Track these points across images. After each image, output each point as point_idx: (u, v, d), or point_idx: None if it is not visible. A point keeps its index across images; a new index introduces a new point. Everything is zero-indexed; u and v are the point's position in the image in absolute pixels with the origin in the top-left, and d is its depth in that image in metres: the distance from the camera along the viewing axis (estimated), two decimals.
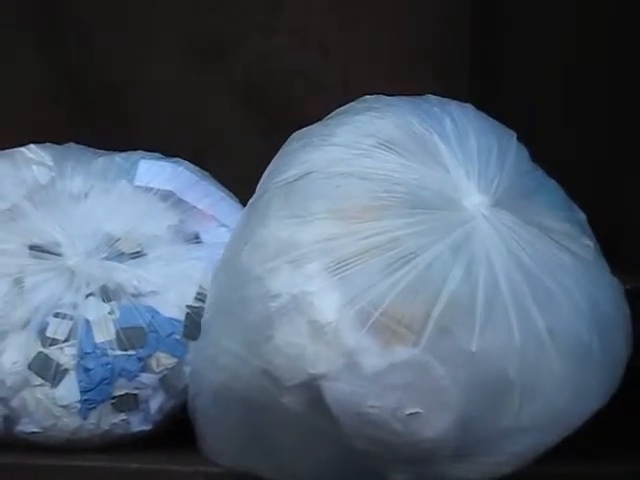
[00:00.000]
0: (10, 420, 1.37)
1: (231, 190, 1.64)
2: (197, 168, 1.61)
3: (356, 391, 1.20)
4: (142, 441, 1.40)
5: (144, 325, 1.38)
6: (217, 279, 1.37)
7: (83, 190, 1.46)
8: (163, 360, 1.38)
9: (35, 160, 1.48)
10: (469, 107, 1.48)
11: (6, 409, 1.36)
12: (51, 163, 1.48)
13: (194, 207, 1.51)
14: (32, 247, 1.40)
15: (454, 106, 1.46)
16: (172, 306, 1.40)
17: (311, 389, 1.22)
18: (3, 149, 1.53)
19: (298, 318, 1.23)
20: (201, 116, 1.91)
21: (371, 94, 1.48)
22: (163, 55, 1.91)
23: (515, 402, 1.21)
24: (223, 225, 1.52)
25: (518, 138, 1.49)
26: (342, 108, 1.50)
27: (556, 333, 1.25)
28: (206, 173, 1.62)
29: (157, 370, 1.38)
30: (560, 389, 1.24)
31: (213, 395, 1.33)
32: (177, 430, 1.42)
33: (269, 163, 1.80)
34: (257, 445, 1.29)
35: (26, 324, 1.35)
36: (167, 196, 1.50)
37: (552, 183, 1.48)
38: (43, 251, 1.40)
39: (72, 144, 1.53)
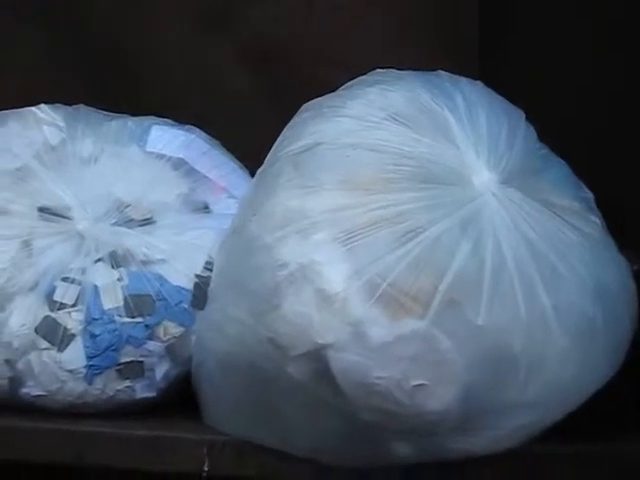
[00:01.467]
0: (15, 382, 1.33)
1: (237, 157, 1.60)
2: (209, 137, 1.57)
3: (362, 362, 1.17)
4: (147, 408, 1.36)
5: (152, 293, 1.34)
6: (225, 248, 1.33)
7: (94, 153, 1.42)
8: (170, 329, 1.35)
9: (46, 120, 1.43)
10: (479, 84, 1.45)
11: (12, 371, 1.32)
12: (62, 124, 1.43)
13: (205, 177, 1.47)
14: (41, 209, 1.36)
15: (465, 83, 1.43)
16: (181, 275, 1.36)
17: (317, 359, 1.19)
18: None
19: (306, 287, 1.20)
20: (207, 81, 1.87)
21: (382, 65, 1.45)
22: (169, 19, 1.86)
23: (520, 376, 1.19)
24: (233, 196, 1.49)
25: (526, 117, 1.47)
26: (353, 81, 1.46)
27: (561, 309, 1.22)
28: (217, 142, 1.58)
29: (164, 338, 1.34)
30: (564, 364, 1.21)
31: (218, 363, 1.30)
32: (182, 399, 1.40)
33: (276, 129, 1.77)
34: (261, 414, 1.26)
35: (34, 287, 1.32)
36: (179, 164, 1.46)
37: (560, 162, 1.45)
38: (52, 214, 1.36)
39: (82, 106, 1.48)
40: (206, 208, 1.49)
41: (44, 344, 1.35)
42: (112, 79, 1.85)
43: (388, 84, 1.38)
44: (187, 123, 1.65)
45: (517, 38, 1.84)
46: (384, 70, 1.44)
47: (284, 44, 1.88)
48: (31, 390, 1.36)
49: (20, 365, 1.36)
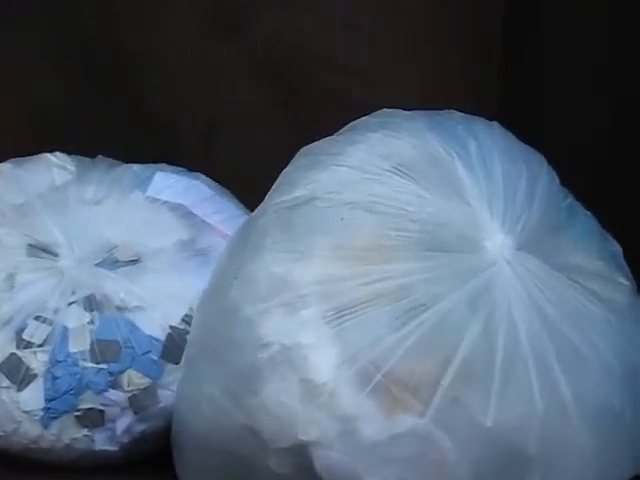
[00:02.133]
0: None
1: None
2: (215, 183, 1.52)
3: (351, 463, 1.02)
4: (112, 466, 1.33)
5: (120, 339, 1.27)
6: (203, 310, 1.18)
7: (96, 196, 1.39)
8: (135, 379, 1.29)
9: (58, 164, 1.44)
10: (496, 126, 1.28)
11: None
12: (72, 168, 1.43)
13: (204, 222, 1.44)
14: (31, 245, 1.33)
15: (480, 126, 1.26)
16: (155, 324, 1.32)
17: (301, 455, 1.04)
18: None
19: (290, 374, 1.04)
20: (217, 88, 1.77)
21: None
22: (180, 24, 1.76)
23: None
24: None
25: (548, 161, 1.29)
26: (355, 122, 1.30)
27: (584, 400, 1.05)
28: (226, 190, 1.53)
29: (127, 388, 1.28)
30: (587, 464, 1.05)
31: (193, 440, 1.16)
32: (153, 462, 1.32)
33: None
34: None
35: (7, 322, 1.28)
36: (176, 208, 1.43)
37: (584, 213, 1.28)
38: (40, 250, 1.33)
39: (100, 157, 1.48)
40: (203, 255, 1.40)
41: (5, 382, 1.29)
42: (119, 86, 1.77)
43: (393, 129, 1.21)
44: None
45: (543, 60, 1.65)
46: (390, 110, 1.28)
47: (298, 53, 1.78)
48: None
49: None
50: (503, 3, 1.83)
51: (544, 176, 1.23)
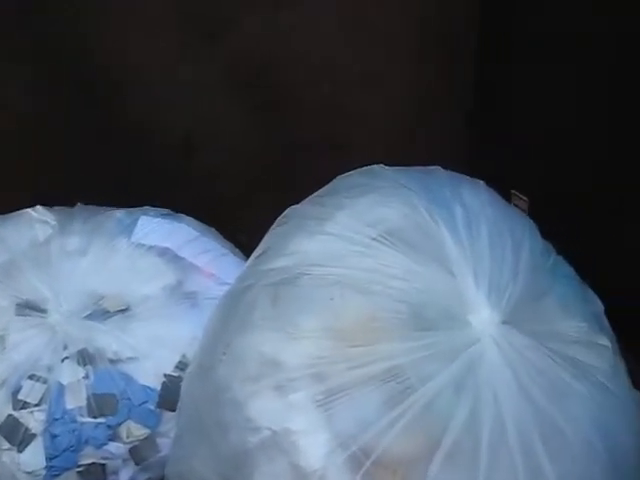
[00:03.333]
0: None
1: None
2: (200, 223, 1.50)
3: None
4: None
5: (117, 392, 1.26)
6: (191, 384, 1.17)
7: (80, 247, 1.38)
8: (134, 430, 1.27)
9: (39, 219, 1.43)
10: (482, 186, 1.28)
11: None
12: (54, 222, 1.42)
13: (191, 264, 1.43)
14: (19, 304, 1.31)
15: (466, 187, 1.25)
16: (149, 374, 1.30)
17: None
18: None
19: (280, 459, 1.04)
20: (194, 99, 1.73)
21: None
22: (153, 36, 1.70)
23: None
24: (224, 283, 1.39)
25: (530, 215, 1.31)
26: (342, 178, 1.29)
27: None
28: (210, 228, 1.51)
29: (127, 440, 1.26)
30: None
31: None
32: None
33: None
34: None
35: (2, 384, 1.26)
36: (163, 253, 1.41)
37: (566, 272, 1.28)
38: (29, 307, 1.31)
39: (80, 205, 1.46)
40: (193, 298, 1.39)
41: (5, 444, 1.27)
42: (96, 98, 1.73)
43: (380, 192, 1.21)
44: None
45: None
46: (378, 169, 1.27)
47: (275, 60, 1.74)
48: None
49: None
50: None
51: (528, 239, 1.23)
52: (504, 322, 1.12)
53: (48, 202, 1.49)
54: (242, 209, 1.59)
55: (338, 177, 1.27)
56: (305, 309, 1.08)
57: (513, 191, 1.35)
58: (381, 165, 1.26)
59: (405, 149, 1.34)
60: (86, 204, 1.51)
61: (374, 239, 1.14)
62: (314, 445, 1.02)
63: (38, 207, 1.46)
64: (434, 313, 1.09)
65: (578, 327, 1.19)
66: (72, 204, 1.50)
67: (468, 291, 1.12)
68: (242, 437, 1.04)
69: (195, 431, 1.11)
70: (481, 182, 1.26)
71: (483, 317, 1.11)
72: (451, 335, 1.08)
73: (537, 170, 1.48)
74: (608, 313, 1.26)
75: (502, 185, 1.31)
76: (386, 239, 1.14)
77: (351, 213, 1.17)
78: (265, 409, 1.04)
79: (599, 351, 1.17)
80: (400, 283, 1.10)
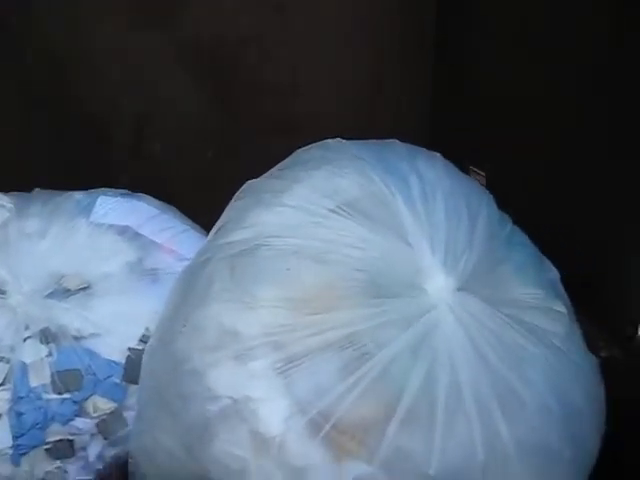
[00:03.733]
0: None
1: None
2: (161, 202, 1.50)
3: None
4: None
5: (81, 368, 1.26)
6: (152, 357, 1.18)
7: (40, 229, 1.37)
8: (100, 404, 1.27)
9: None
10: (438, 158, 1.29)
11: None
12: (10, 205, 1.41)
13: (152, 241, 1.43)
14: None
15: (423, 159, 1.27)
16: (113, 348, 1.30)
17: None
18: None
19: (240, 426, 1.05)
20: (146, 81, 1.72)
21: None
22: (106, 16, 1.70)
23: None
24: (185, 259, 1.39)
25: (487, 186, 1.33)
26: (299, 153, 1.30)
27: (523, 444, 1.08)
28: (170, 206, 1.51)
29: (94, 415, 1.26)
30: None
31: None
32: None
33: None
34: None
35: None
36: (123, 231, 1.42)
37: (522, 241, 1.30)
38: None
39: (38, 190, 1.45)
40: (154, 274, 1.39)
41: None
42: (44, 81, 1.71)
43: (336, 165, 1.22)
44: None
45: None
46: (335, 142, 1.28)
47: (225, 42, 1.73)
48: None
49: None
50: None
51: (484, 208, 1.25)
52: (460, 289, 1.14)
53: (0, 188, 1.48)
54: (197, 191, 1.59)
55: (296, 151, 1.27)
56: (262, 279, 1.09)
57: (471, 167, 1.36)
58: (338, 139, 1.27)
59: (362, 130, 1.34)
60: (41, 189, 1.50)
61: (331, 210, 1.16)
62: (273, 412, 1.03)
63: None
64: (391, 281, 1.10)
65: (534, 294, 1.21)
66: (25, 190, 1.50)
67: (424, 259, 1.13)
68: (202, 406, 1.05)
69: (156, 404, 1.12)
70: (438, 154, 1.27)
71: (439, 284, 1.12)
72: (407, 302, 1.10)
73: (494, 146, 1.50)
74: (564, 281, 1.27)
75: (460, 161, 1.32)
76: (343, 210, 1.15)
77: (307, 185, 1.18)
78: (224, 378, 1.05)
79: (555, 317, 1.19)
80: (356, 252, 1.12)
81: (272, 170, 1.26)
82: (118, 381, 1.30)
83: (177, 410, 1.08)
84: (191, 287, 1.14)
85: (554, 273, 1.26)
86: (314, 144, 1.29)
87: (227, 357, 1.05)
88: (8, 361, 1.29)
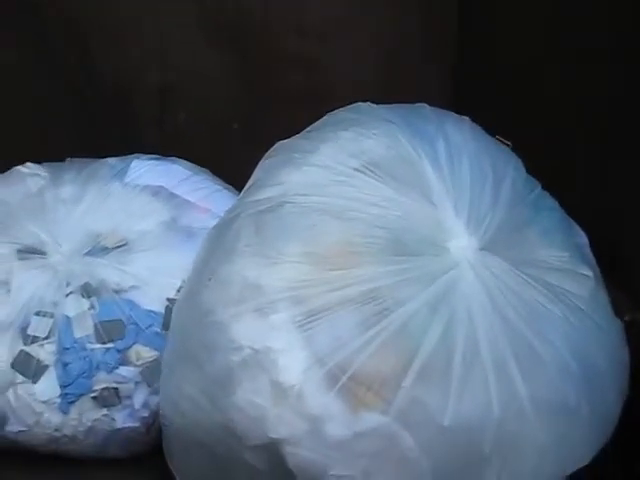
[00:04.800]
0: (1, 420, 1.31)
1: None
2: (193, 165, 1.54)
3: (318, 459, 1.07)
4: (137, 444, 1.33)
5: (123, 318, 1.31)
6: (179, 311, 1.21)
7: (74, 195, 1.42)
8: (143, 353, 1.31)
9: (30, 173, 1.47)
10: (466, 122, 1.31)
11: None
12: (45, 174, 1.46)
13: (186, 200, 1.47)
14: (20, 250, 1.36)
15: (450, 123, 1.28)
16: (152, 299, 1.33)
17: (273, 451, 1.08)
18: None
19: (261, 376, 1.09)
20: (169, 52, 1.74)
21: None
22: None
23: (492, 478, 1.08)
24: (218, 217, 1.41)
25: (514, 150, 1.32)
26: (330, 115, 1.32)
27: (540, 401, 1.09)
28: (203, 169, 1.54)
29: (137, 363, 1.31)
30: (543, 459, 1.09)
31: (178, 436, 1.20)
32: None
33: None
34: None
35: (10, 324, 1.30)
36: (157, 191, 1.45)
37: (549, 205, 1.30)
38: (29, 252, 1.36)
39: (71, 159, 1.50)
40: (187, 231, 1.44)
41: (20, 378, 1.32)
42: (67, 53, 1.73)
43: (364, 126, 1.24)
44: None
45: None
46: (365, 106, 1.30)
47: (251, 14, 1.74)
48: (13, 427, 1.33)
49: (1, 402, 1.33)
50: None
51: (510, 172, 1.26)
52: (482, 248, 1.15)
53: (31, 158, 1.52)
54: (223, 161, 1.62)
55: (328, 114, 1.30)
56: (286, 235, 1.12)
57: (497, 136, 1.37)
58: (368, 103, 1.29)
59: (385, 98, 1.36)
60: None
61: (356, 169, 1.18)
62: (293, 362, 1.06)
63: (28, 163, 1.48)
64: (413, 239, 1.13)
65: (559, 256, 1.22)
66: (52, 160, 1.54)
67: (447, 219, 1.15)
68: (226, 357, 1.08)
69: (183, 355, 1.16)
70: (466, 118, 1.29)
71: (461, 243, 1.14)
72: (429, 260, 1.12)
73: (519, 115, 1.50)
74: (593, 247, 1.27)
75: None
76: (368, 169, 1.18)
77: (335, 145, 1.21)
78: (247, 330, 1.08)
79: (579, 279, 1.20)
80: (379, 210, 1.14)
81: (304, 131, 1.28)
82: (159, 330, 1.35)
83: (202, 361, 1.11)
84: (219, 242, 1.18)
85: (582, 237, 1.28)
86: (345, 107, 1.30)
87: (250, 310, 1.09)
88: (52, 316, 1.34)
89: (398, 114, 1.26)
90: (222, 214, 1.36)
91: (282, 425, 1.06)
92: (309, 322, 1.07)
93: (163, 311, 1.36)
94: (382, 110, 1.27)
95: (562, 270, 1.20)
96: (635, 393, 1.19)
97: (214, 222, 1.37)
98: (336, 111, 1.30)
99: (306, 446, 1.06)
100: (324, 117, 1.31)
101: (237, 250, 1.14)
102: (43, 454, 1.35)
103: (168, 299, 1.36)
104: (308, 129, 1.29)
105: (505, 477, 1.06)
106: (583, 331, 1.14)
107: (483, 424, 1.05)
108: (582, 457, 1.14)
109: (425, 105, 1.29)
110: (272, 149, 1.27)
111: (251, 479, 1.12)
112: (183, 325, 1.18)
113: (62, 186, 1.43)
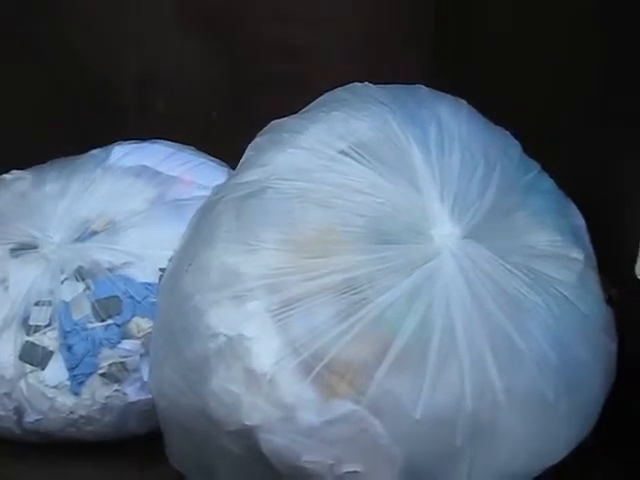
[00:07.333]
0: (19, 412, 1.36)
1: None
2: (176, 144, 1.56)
3: (291, 445, 1.09)
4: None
5: (119, 293, 1.35)
6: (163, 292, 1.23)
7: (61, 189, 1.46)
8: (143, 324, 1.35)
9: (13, 179, 1.52)
10: (463, 106, 1.30)
11: (12, 402, 1.35)
12: (29, 176, 1.51)
13: (170, 176, 1.51)
14: (13, 249, 1.41)
15: (445, 106, 1.27)
16: (146, 271, 1.37)
17: (248, 437, 1.11)
18: None
19: (235, 363, 1.11)
20: (148, 39, 1.74)
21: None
22: None
23: (464, 470, 1.09)
24: (204, 187, 1.47)
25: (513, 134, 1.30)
26: (326, 95, 1.33)
27: (515, 394, 1.10)
28: (187, 146, 1.57)
29: (138, 335, 1.34)
30: (516, 452, 1.10)
31: (161, 416, 1.23)
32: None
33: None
34: (200, 467, 1.20)
35: (13, 318, 1.35)
36: (141, 171, 1.50)
37: (545, 187, 1.29)
38: (22, 249, 1.41)
39: (56, 160, 1.53)
40: (174, 204, 1.47)
41: (29, 368, 1.37)
42: (48, 44, 1.75)
43: (356, 107, 1.24)
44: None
45: None
46: (361, 86, 1.30)
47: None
48: (30, 417, 1.38)
49: (15, 394, 1.38)
50: None
51: (503, 158, 1.24)
52: (466, 237, 1.14)
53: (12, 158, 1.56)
54: (203, 147, 1.63)
55: (326, 93, 1.29)
56: (265, 222, 1.13)
57: None
58: (366, 83, 1.28)
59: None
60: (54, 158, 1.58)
61: (341, 152, 1.18)
62: (266, 350, 1.08)
63: (12, 171, 1.53)
64: (395, 227, 1.13)
65: (551, 240, 1.21)
66: (27, 151, 1.58)
67: (432, 206, 1.15)
68: (203, 343, 1.10)
69: (166, 338, 1.18)
70: (464, 101, 1.27)
71: (444, 231, 1.14)
72: (410, 249, 1.12)
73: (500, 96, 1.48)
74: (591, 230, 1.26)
75: None
76: (354, 150, 1.18)
77: (323, 126, 1.21)
78: (223, 317, 1.10)
79: (568, 264, 1.19)
80: (362, 197, 1.14)
81: (300, 111, 1.28)
82: (155, 300, 1.36)
83: (182, 346, 1.14)
84: (201, 226, 1.19)
85: (579, 219, 1.27)
86: (341, 87, 1.30)
87: (227, 297, 1.10)
88: (50, 303, 1.39)
89: (392, 95, 1.25)
90: (207, 185, 1.41)
91: (256, 412, 1.08)
92: (284, 311, 1.09)
93: (157, 281, 1.39)
94: (377, 91, 1.26)
95: (550, 256, 1.20)
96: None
97: (200, 193, 1.42)
98: (333, 91, 1.30)
99: (279, 433, 1.08)
100: (321, 97, 1.30)
101: (217, 236, 1.15)
102: (61, 443, 1.39)
103: (161, 269, 1.39)
104: (304, 109, 1.29)
105: (477, 469, 1.07)
106: (566, 321, 1.14)
107: (455, 416, 1.06)
108: (558, 453, 1.14)
109: (422, 86, 1.29)
110: (265, 128, 1.28)
111: (231, 463, 1.14)
112: (167, 307, 1.21)
113: (46, 184, 1.47)
